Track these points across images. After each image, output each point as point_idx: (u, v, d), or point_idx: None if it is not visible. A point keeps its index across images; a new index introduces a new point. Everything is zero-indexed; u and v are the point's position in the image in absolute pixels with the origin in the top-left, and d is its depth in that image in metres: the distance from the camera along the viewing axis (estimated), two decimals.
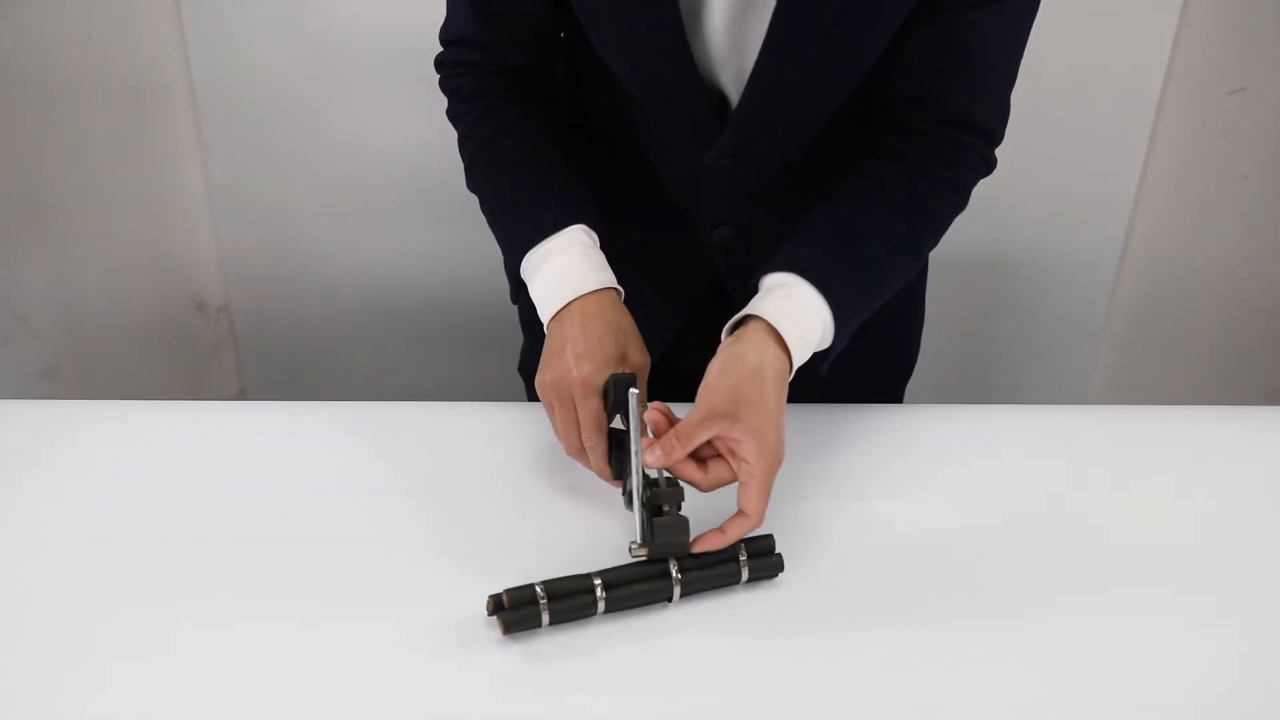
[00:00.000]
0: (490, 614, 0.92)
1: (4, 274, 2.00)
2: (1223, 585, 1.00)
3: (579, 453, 1.01)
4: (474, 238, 1.70)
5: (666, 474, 0.96)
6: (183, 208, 1.98)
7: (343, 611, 0.95)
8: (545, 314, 1.05)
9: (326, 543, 1.01)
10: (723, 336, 1.01)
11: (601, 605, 0.93)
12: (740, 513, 0.95)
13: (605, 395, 1.00)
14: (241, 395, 2.15)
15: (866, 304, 1.05)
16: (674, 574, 0.94)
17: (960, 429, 1.18)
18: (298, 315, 2.06)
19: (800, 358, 1.00)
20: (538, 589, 0.92)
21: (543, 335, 1.32)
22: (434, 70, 1.15)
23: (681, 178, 1.12)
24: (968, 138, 1.08)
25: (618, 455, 1.00)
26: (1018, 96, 1.09)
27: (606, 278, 1.05)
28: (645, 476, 0.95)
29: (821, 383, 1.07)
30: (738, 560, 0.96)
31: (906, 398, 1.10)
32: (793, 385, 1.01)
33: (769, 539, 0.98)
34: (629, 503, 0.97)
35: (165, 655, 0.91)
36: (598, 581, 0.93)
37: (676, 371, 1.29)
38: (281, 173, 1.93)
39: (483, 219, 1.14)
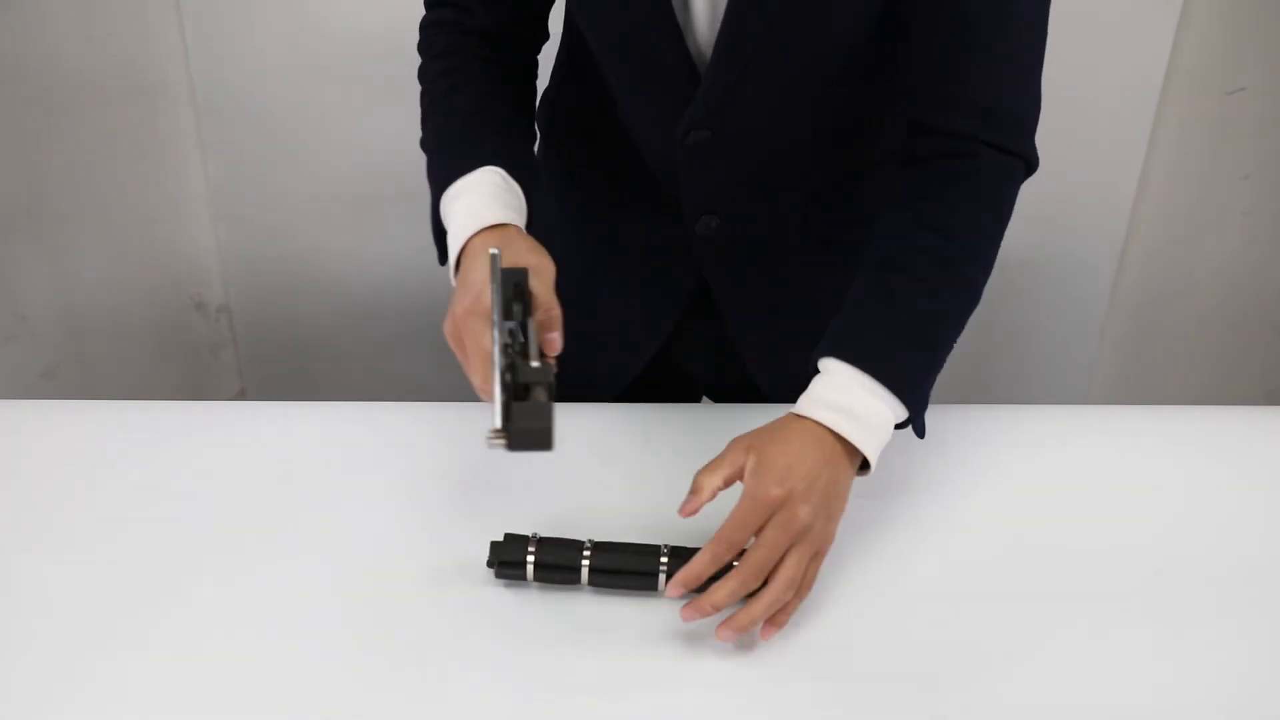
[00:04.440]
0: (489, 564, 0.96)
1: (4, 274, 2.00)
2: (1223, 585, 1.00)
3: (485, 394, 0.90)
4: None
5: (540, 359, 0.85)
6: (183, 208, 1.98)
7: (342, 611, 0.95)
8: (453, 257, 0.98)
9: (326, 543, 1.01)
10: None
11: (585, 570, 0.94)
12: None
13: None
14: (241, 395, 2.15)
15: (930, 362, 0.98)
16: (661, 561, 0.94)
17: (960, 429, 1.17)
18: (298, 315, 2.06)
19: (870, 444, 0.93)
20: (529, 535, 0.95)
21: None
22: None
23: (662, 155, 1.10)
24: (990, 137, 1.00)
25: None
26: None
27: (507, 215, 0.97)
28: (510, 354, 0.85)
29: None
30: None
31: None
32: (787, 385, 1.01)
33: None
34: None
35: (165, 654, 0.91)
36: (588, 548, 0.95)
37: (672, 372, 1.29)
38: (281, 173, 1.93)
39: None
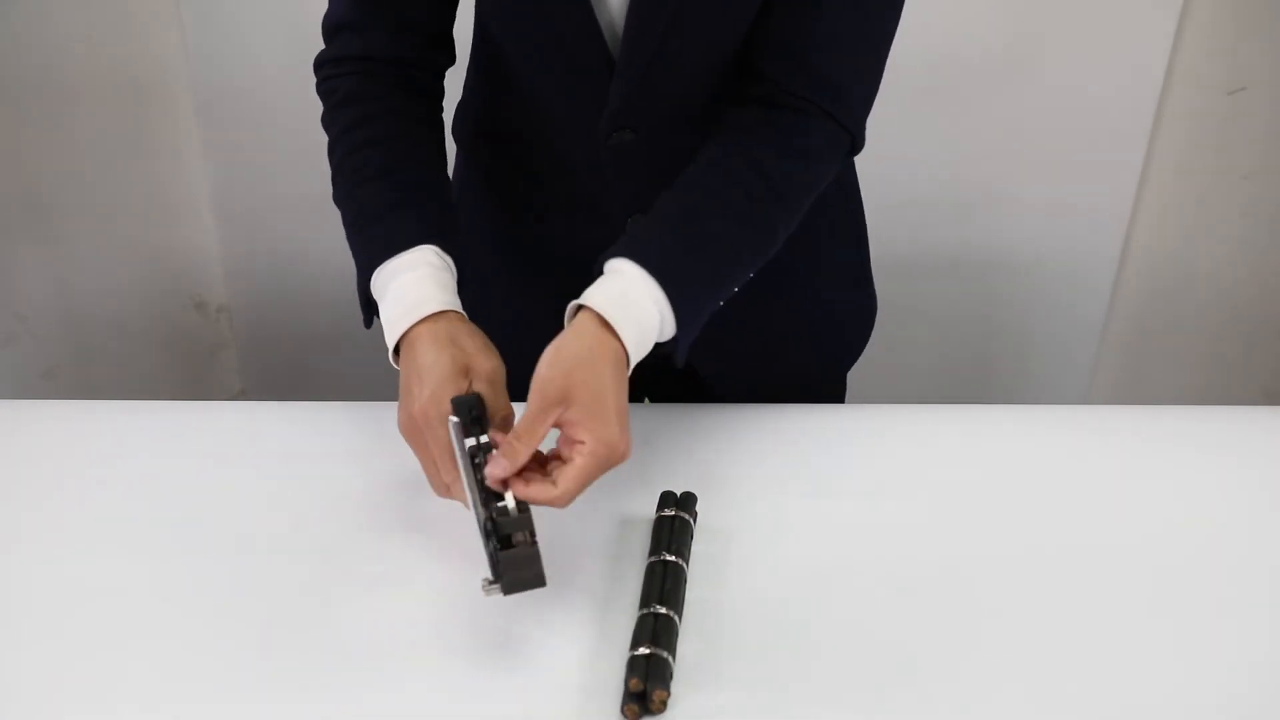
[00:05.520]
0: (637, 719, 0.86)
1: (4, 274, 2.00)
2: (1222, 586, 1.00)
3: (446, 492, 0.96)
4: None
5: (514, 501, 0.88)
6: (183, 208, 1.98)
7: (342, 611, 0.95)
8: (391, 341, 1.00)
9: (326, 543, 1.01)
10: (565, 322, 0.96)
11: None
12: (551, 482, 0.89)
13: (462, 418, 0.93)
14: (241, 395, 2.15)
15: (712, 285, 0.99)
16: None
17: (960, 429, 1.18)
18: (298, 315, 2.06)
19: (636, 342, 0.94)
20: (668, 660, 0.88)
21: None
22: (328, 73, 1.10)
23: (585, 158, 1.09)
24: (819, 100, 1.02)
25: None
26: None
27: (449, 299, 0.99)
28: (492, 505, 0.88)
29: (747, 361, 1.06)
30: None
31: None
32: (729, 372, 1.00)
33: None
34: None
35: (165, 653, 0.91)
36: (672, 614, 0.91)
37: None
38: (281, 173, 1.93)
39: None
